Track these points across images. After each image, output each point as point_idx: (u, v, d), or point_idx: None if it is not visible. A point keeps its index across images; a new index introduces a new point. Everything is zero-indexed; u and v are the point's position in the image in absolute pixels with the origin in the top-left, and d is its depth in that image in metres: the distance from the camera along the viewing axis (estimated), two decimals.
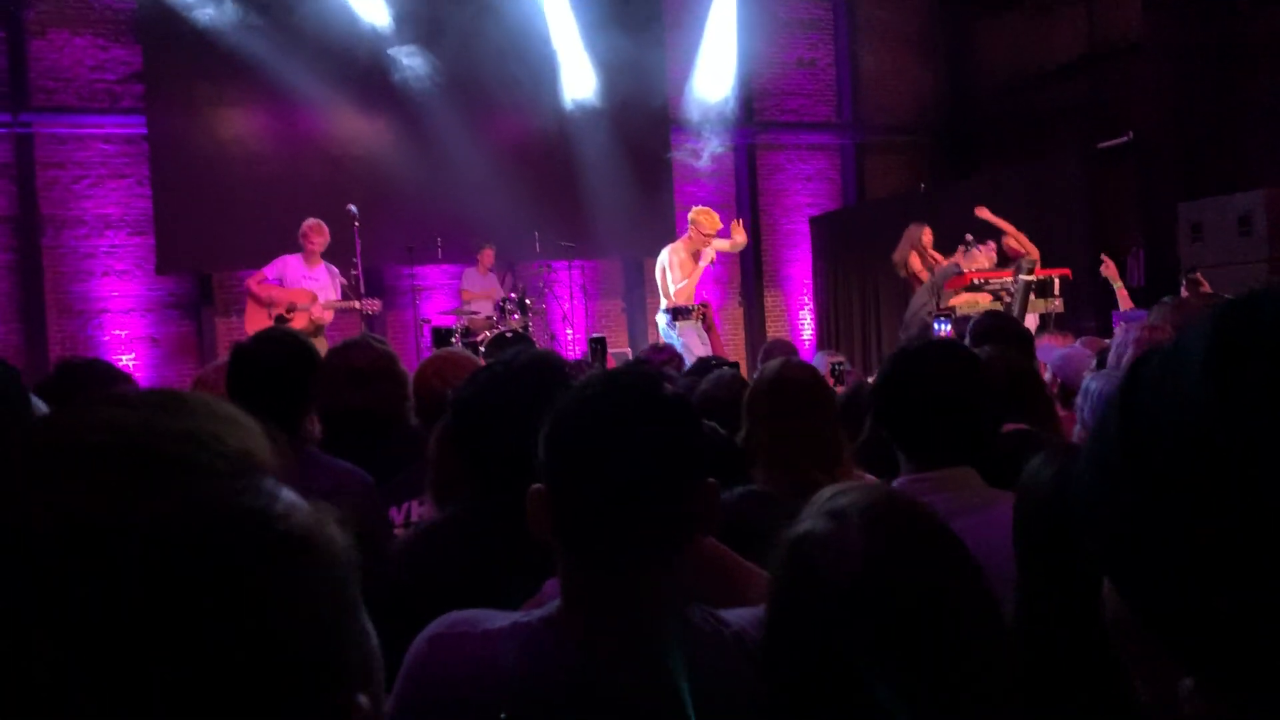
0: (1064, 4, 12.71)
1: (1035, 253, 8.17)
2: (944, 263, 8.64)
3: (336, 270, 8.24)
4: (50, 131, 10.36)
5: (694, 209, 8.50)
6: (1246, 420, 0.47)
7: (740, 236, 8.89)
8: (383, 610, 1.79)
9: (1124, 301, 6.55)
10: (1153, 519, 0.50)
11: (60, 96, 10.38)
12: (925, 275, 9.01)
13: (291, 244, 8.24)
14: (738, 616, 1.28)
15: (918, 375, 2.00)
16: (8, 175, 10.24)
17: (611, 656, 1.20)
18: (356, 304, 8.25)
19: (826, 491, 1.13)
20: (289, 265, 8.10)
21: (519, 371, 1.81)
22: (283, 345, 2.56)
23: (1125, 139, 10.39)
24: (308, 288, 8.04)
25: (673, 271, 8.31)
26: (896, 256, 9.29)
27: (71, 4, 10.40)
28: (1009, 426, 2.25)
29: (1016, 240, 8.35)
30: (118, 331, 10.52)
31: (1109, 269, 6.85)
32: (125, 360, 10.33)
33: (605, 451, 1.20)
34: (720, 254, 8.85)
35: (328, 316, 8.09)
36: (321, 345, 7.77)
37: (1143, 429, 0.52)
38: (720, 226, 8.46)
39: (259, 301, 7.98)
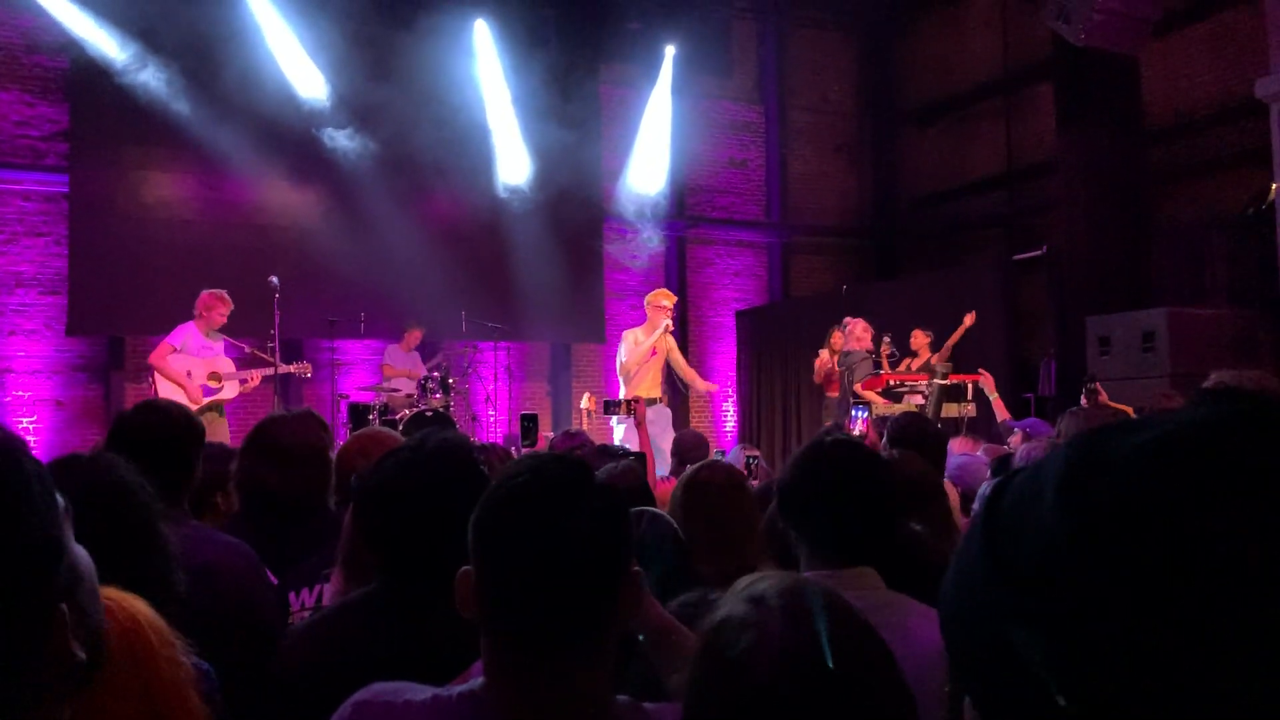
0: (985, 120, 13.31)
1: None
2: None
3: (226, 340, 8.17)
4: None
5: (650, 294, 8.53)
6: (1093, 546, 0.49)
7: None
8: (272, 691, 1.73)
9: (1000, 412, 6.73)
10: (1004, 639, 0.52)
11: None
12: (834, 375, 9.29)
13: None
14: (658, 711, 1.28)
15: (824, 472, 2.02)
16: None
17: None
18: (290, 367, 8.17)
19: (744, 580, 1.12)
20: (190, 334, 7.97)
21: (426, 458, 1.77)
22: (166, 415, 2.48)
23: (1040, 251, 10.78)
24: (208, 357, 7.94)
25: (625, 356, 8.29)
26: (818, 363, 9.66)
27: (0, 59, 10.25)
28: (908, 528, 2.28)
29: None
30: (20, 393, 10.15)
31: (985, 380, 7.04)
32: (25, 423, 9.96)
33: (533, 538, 1.20)
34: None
35: (255, 380, 8.04)
36: (219, 424, 7.68)
37: (1004, 553, 0.54)
38: (670, 303, 8.35)
39: (168, 376, 7.79)
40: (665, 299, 8.25)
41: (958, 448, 4.94)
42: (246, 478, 2.79)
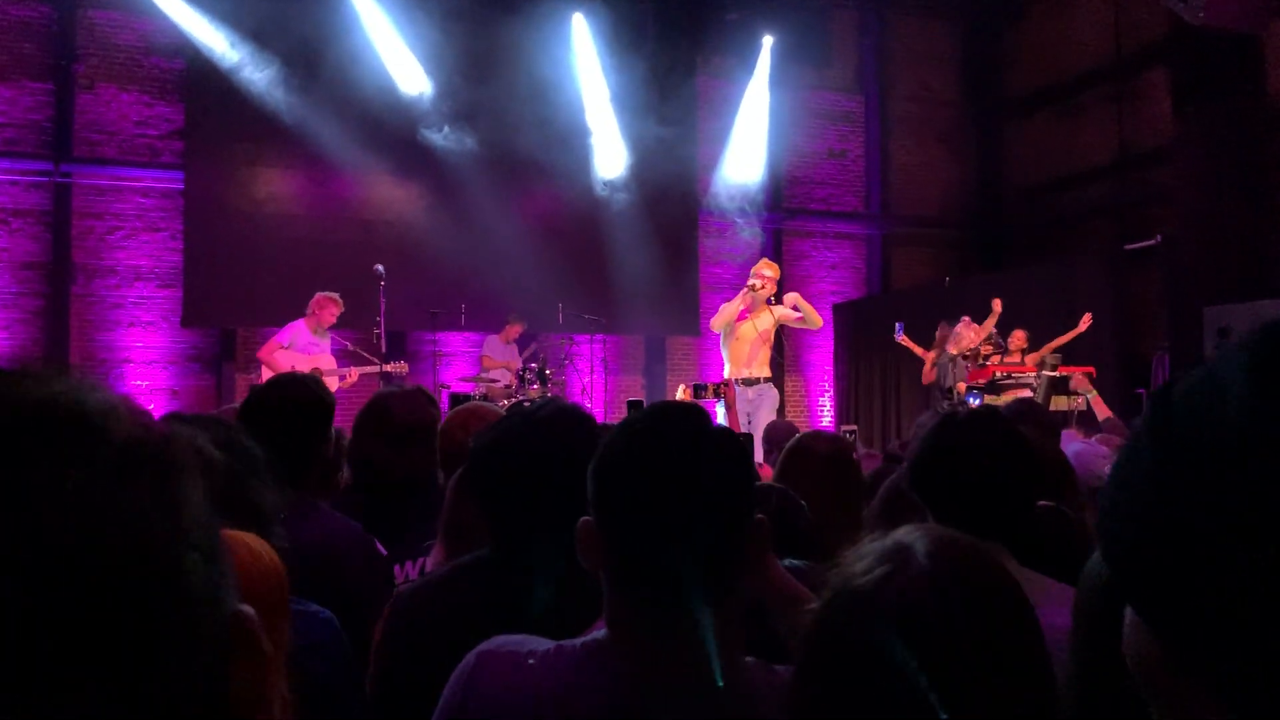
0: (1094, 107, 12.87)
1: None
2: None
3: (338, 338, 8.43)
4: (90, 183, 10.56)
5: None
6: None
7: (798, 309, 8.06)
8: (378, 661, 1.74)
9: (1101, 410, 6.43)
10: (1196, 546, 0.49)
11: (102, 149, 10.60)
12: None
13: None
14: (787, 672, 1.25)
15: (965, 443, 1.95)
16: (43, 222, 10.42)
17: (654, 688, 1.18)
18: (388, 367, 8.35)
19: (891, 535, 1.06)
20: (299, 332, 8.26)
21: (542, 421, 1.76)
22: (295, 389, 2.49)
23: (1153, 242, 10.39)
24: (315, 354, 8.19)
25: (715, 323, 8.00)
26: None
27: (122, 61, 10.69)
28: (1041, 504, 2.18)
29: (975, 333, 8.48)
30: (139, 382, 10.56)
31: (1080, 382, 6.74)
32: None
33: (657, 484, 1.18)
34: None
35: (353, 378, 8.24)
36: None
37: (1181, 454, 0.51)
38: (772, 273, 7.90)
39: (274, 369, 8.05)
40: (764, 268, 7.85)
41: (1071, 436, 4.78)
42: (358, 452, 2.84)
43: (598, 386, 11.01)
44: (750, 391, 7.51)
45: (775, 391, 7.92)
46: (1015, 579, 1.01)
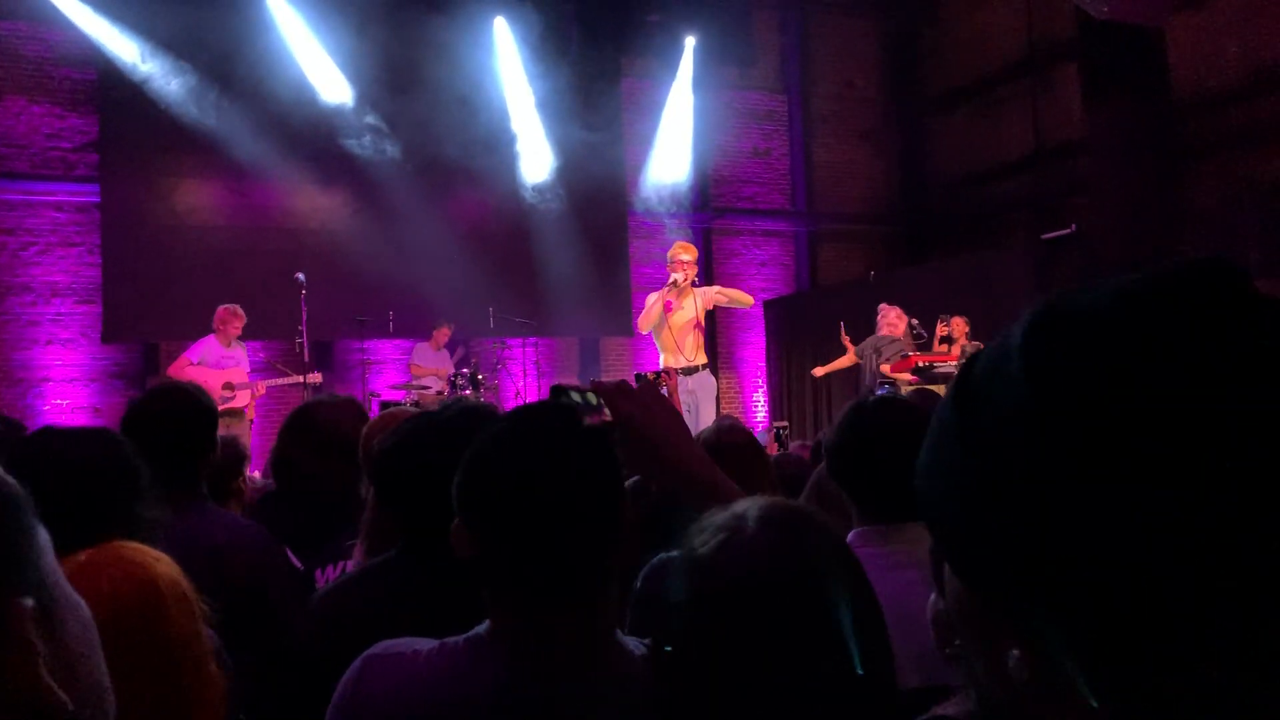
0: (1010, 102, 13.18)
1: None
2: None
3: (248, 348, 8.54)
4: (1, 198, 10.26)
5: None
6: (1057, 401, 0.50)
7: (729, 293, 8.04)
8: (290, 662, 1.74)
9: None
10: (985, 499, 0.53)
11: (13, 163, 10.31)
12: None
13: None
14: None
15: (875, 428, 2.01)
16: None
17: (534, 678, 1.20)
18: (300, 378, 8.31)
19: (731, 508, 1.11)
20: (210, 347, 8.33)
21: (445, 421, 1.78)
22: (177, 399, 2.49)
23: (1069, 231, 10.66)
24: (228, 368, 8.24)
25: (641, 323, 7.66)
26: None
27: (30, 72, 10.41)
28: None
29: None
30: (59, 401, 10.30)
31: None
32: None
33: (514, 478, 1.20)
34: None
35: (261, 390, 8.28)
36: (239, 426, 7.87)
37: (975, 417, 0.55)
38: (690, 256, 7.54)
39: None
40: (681, 252, 7.48)
41: None
42: (282, 458, 2.83)
43: (532, 390, 10.99)
44: (690, 380, 7.30)
45: (713, 379, 7.72)
46: (841, 538, 1.06)
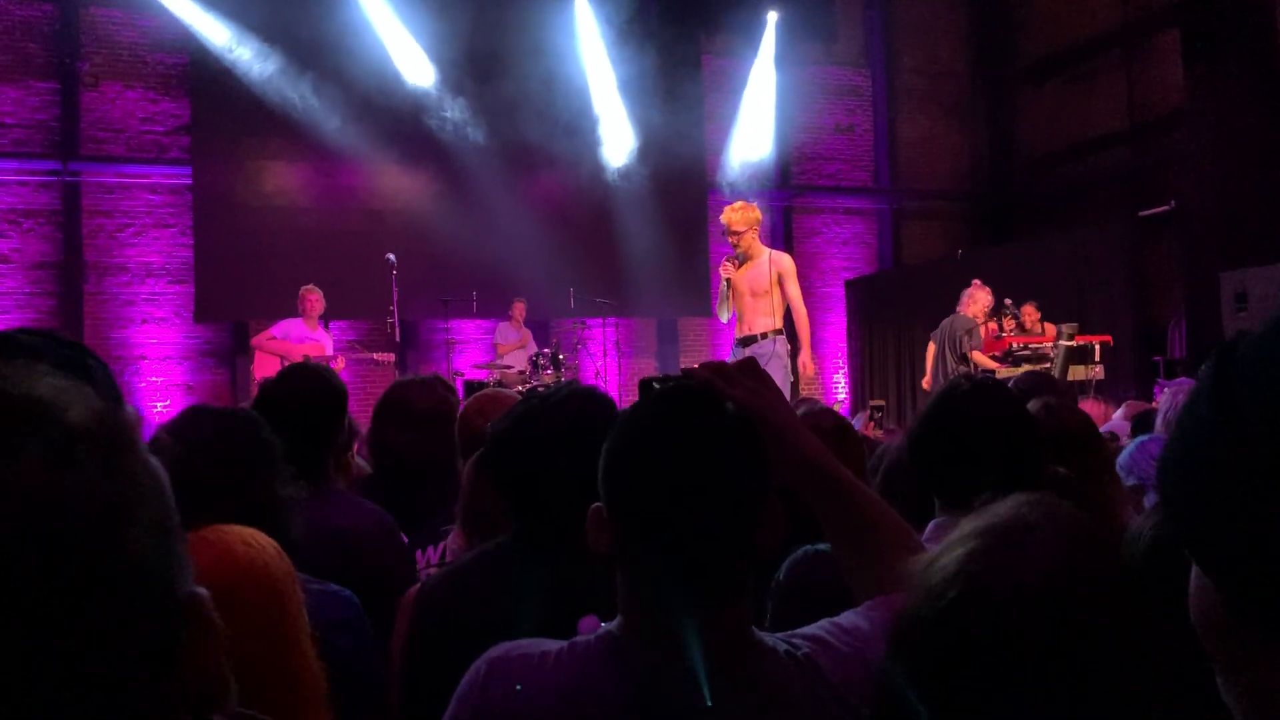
0: (1104, 74, 12.74)
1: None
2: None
3: (333, 329, 8.69)
4: (98, 180, 10.57)
5: None
6: None
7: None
8: (408, 650, 1.73)
9: None
10: (1259, 502, 0.49)
11: (109, 147, 10.60)
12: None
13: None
14: (804, 639, 1.22)
15: (960, 416, 1.93)
16: (54, 222, 10.44)
17: (672, 680, 1.14)
18: (374, 355, 8.46)
19: (1013, 498, 1.00)
20: (292, 327, 8.49)
21: (560, 403, 1.75)
22: (307, 380, 2.49)
23: (1167, 208, 10.30)
24: (306, 344, 8.35)
25: (725, 318, 7.11)
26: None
27: (126, 58, 10.68)
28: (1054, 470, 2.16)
29: None
30: (153, 378, 10.60)
31: None
32: (159, 407, 10.40)
33: (668, 465, 1.14)
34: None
35: (340, 365, 8.39)
36: None
37: (1248, 412, 0.50)
38: (740, 215, 6.79)
39: (268, 353, 8.31)
40: (730, 214, 6.81)
41: (1087, 409, 4.75)
42: (378, 441, 2.85)
43: (611, 370, 10.99)
44: (745, 352, 6.54)
45: (783, 345, 6.83)
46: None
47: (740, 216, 6.73)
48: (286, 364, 8.02)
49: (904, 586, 0.99)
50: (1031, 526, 0.93)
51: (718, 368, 1.32)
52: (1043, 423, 2.37)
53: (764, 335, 6.69)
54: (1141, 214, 10.60)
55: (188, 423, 1.77)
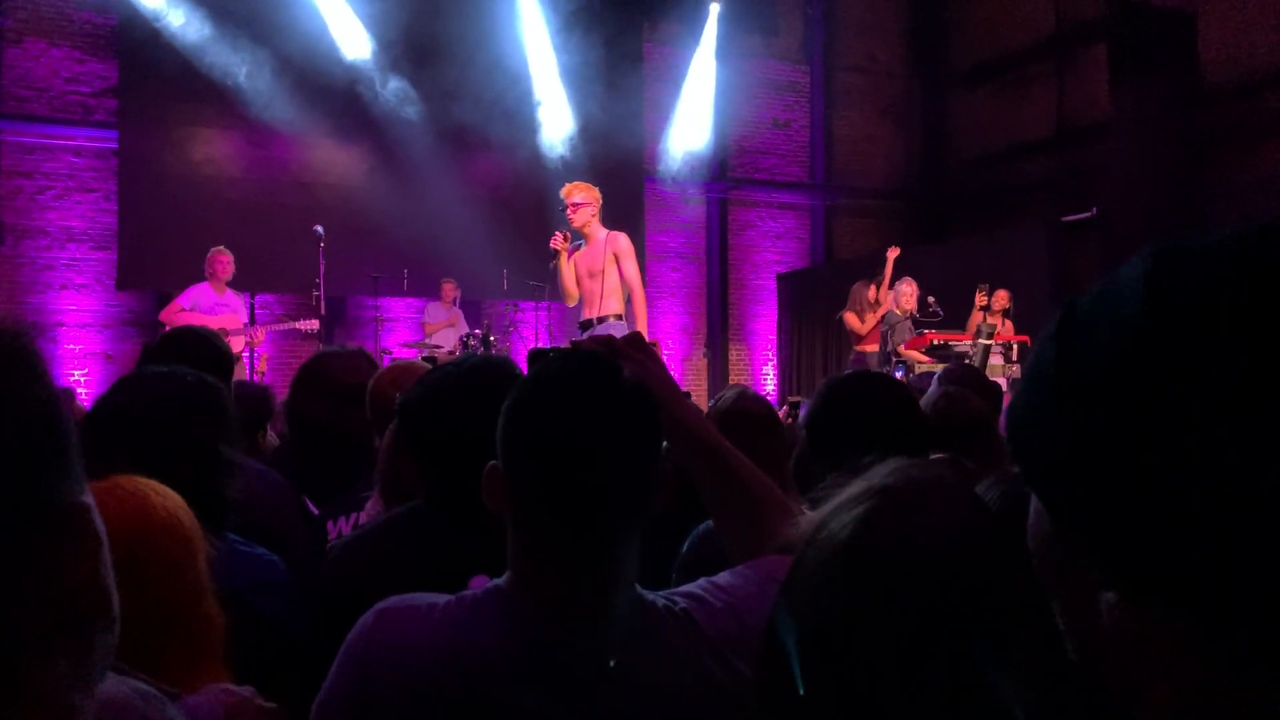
0: (1036, 80, 13.05)
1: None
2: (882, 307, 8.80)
3: (245, 295, 8.36)
4: (18, 140, 10.24)
5: None
6: (1180, 337, 0.50)
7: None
8: (310, 611, 1.74)
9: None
10: (1089, 438, 0.53)
11: (32, 105, 10.28)
12: (859, 329, 9.18)
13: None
14: (683, 595, 1.27)
15: (845, 401, 2.01)
16: None
17: (560, 631, 1.18)
18: (296, 324, 8.29)
19: (886, 463, 1.01)
20: (200, 293, 8.23)
21: (468, 371, 1.78)
22: (191, 345, 2.47)
23: (1089, 214, 10.59)
24: (220, 314, 8.13)
25: (572, 302, 6.95)
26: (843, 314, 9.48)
27: (50, 15, 10.35)
28: (937, 455, 2.25)
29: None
30: (71, 346, 10.33)
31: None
32: (76, 375, 10.14)
33: (564, 426, 1.18)
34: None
35: (259, 337, 8.20)
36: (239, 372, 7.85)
37: (1079, 354, 0.55)
38: (583, 196, 6.57)
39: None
40: (571, 193, 6.64)
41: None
42: (296, 409, 2.83)
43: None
44: (585, 336, 6.32)
45: (623, 329, 6.34)
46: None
47: (580, 188, 6.66)
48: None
49: (783, 549, 1.02)
50: (927, 486, 0.96)
51: (605, 341, 1.38)
52: (941, 410, 2.46)
53: (601, 319, 6.54)
54: (1065, 219, 10.88)
55: (143, 379, 1.79)
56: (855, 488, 0.99)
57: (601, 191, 11.55)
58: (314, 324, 8.37)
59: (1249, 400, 0.47)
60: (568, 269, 6.63)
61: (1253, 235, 0.51)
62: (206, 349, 2.46)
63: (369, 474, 2.50)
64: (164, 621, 1.30)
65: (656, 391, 1.30)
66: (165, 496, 1.40)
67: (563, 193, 6.65)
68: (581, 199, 6.54)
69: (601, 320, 6.50)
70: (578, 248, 6.65)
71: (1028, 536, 0.62)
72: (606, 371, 1.24)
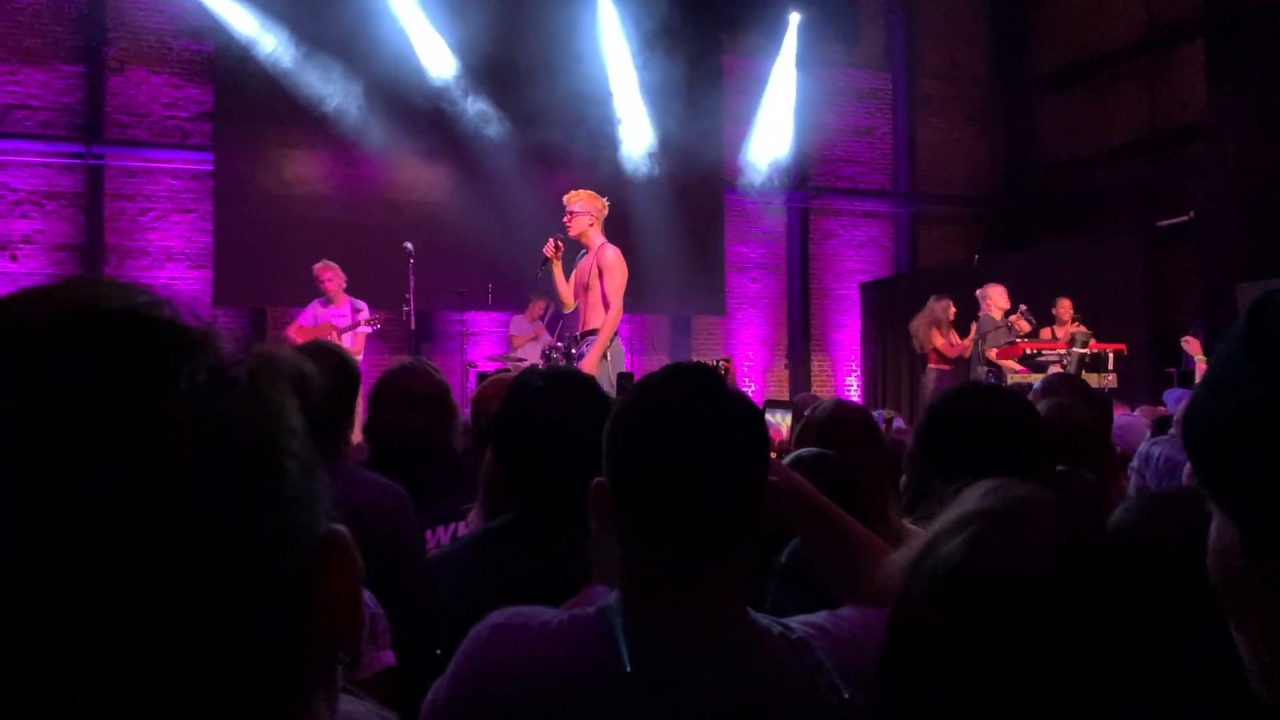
0: (1126, 82, 12.70)
1: None
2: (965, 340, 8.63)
3: (363, 305, 8.54)
4: (121, 164, 10.67)
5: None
6: None
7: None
8: (415, 620, 1.78)
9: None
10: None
11: (133, 131, 10.70)
12: (948, 350, 9.03)
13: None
14: (801, 624, 1.26)
15: (962, 415, 1.96)
16: (77, 204, 10.54)
17: (670, 652, 1.17)
18: (361, 323, 8.45)
19: (981, 485, 1.02)
20: (314, 310, 8.54)
21: (556, 385, 1.81)
22: (325, 357, 2.54)
23: (1185, 218, 10.26)
24: (326, 321, 8.37)
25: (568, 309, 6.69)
26: (915, 326, 9.29)
27: (151, 43, 10.78)
28: (1059, 469, 2.18)
29: None
30: None
31: (1191, 345, 6.81)
32: None
33: (674, 443, 1.17)
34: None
35: (377, 321, 8.38)
36: None
37: (1273, 350, 0.53)
38: (581, 203, 6.35)
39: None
40: (570, 201, 6.41)
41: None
42: (375, 424, 2.91)
43: (625, 367, 11.02)
44: (578, 348, 6.32)
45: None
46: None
47: (581, 196, 6.41)
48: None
49: (887, 578, 1.01)
50: (1031, 506, 0.95)
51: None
52: (1053, 423, 2.40)
53: (584, 335, 6.33)
54: (1159, 224, 10.57)
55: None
56: (956, 510, 0.98)
57: (680, 202, 11.69)
58: (377, 318, 8.52)
59: None
60: (562, 276, 6.41)
61: None
62: (338, 361, 2.56)
63: (457, 482, 2.55)
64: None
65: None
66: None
67: (565, 200, 6.46)
68: (580, 207, 6.32)
69: (584, 336, 6.30)
70: (583, 256, 6.39)
71: (1209, 557, 0.59)
72: (711, 385, 1.23)
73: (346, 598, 0.52)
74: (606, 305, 6.12)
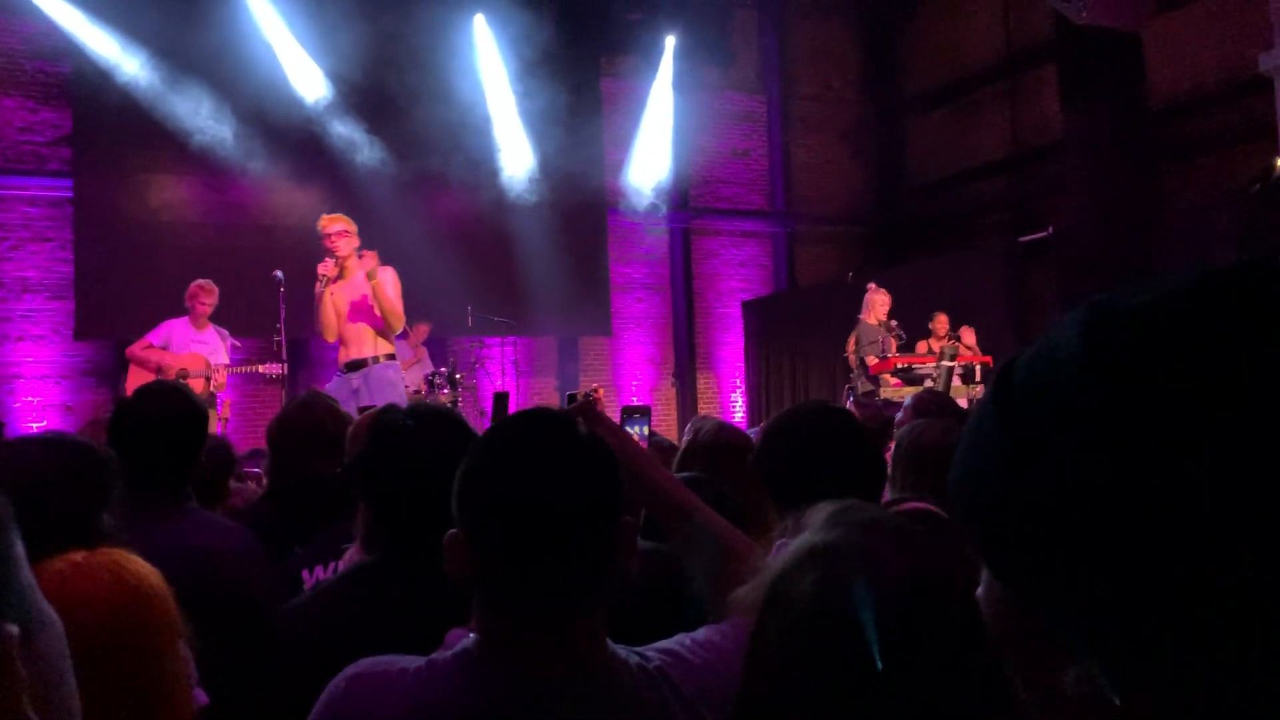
0: (988, 104, 13.26)
1: None
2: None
3: (225, 332, 8.05)
4: None
5: None
6: (1126, 393, 0.48)
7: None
8: (271, 667, 1.72)
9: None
10: (1040, 497, 0.51)
11: None
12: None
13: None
14: (658, 652, 1.27)
15: (791, 437, 2.01)
16: None
17: (533, 693, 1.17)
18: (258, 368, 8.09)
19: (824, 508, 1.05)
20: (175, 329, 7.82)
21: (418, 425, 1.77)
22: (165, 401, 2.44)
23: (1045, 233, 10.73)
24: (197, 351, 7.75)
25: (331, 337, 6.57)
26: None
27: (2, 65, 10.27)
28: (911, 505, 2.22)
29: None
30: (29, 398, 10.17)
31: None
32: (35, 428, 9.97)
33: (523, 482, 1.17)
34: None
35: (221, 380, 7.88)
36: (210, 416, 7.60)
37: (1020, 417, 0.53)
38: (340, 228, 6.25)
39: (143, 366, 7.66)
40: (325, 224, 6.35)
41: None
42: (271, 457, 2.83)
43: (510, 389, 10.95)
44: (355, 378, 6.17)
45: (397, 370, 6.54)
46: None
47: (340, 219, 6.35)
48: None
49: (742, 608, 1.03)
50: (876, 538, 0.98)
51: (583, 406, 1.43)
52: (912, 443, 2.46)
53: (376, 359, 6.22)
54: (1022, 239, 11.03)
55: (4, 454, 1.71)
56: (804, 540, 1.00)
57: (563, 224, 11.70)
58: (277, 368, 8.19)
59: (1194, 452, 0.46)
60: (328, 302, 6.21)
61: (1179, 292, 0.50)
62: (181, 405, 2.44)
63: (342, 517, 2.48)
64: (157, 704, 1.28)
65: (625, 456, 1.33)
66: (154, 574, 1.36)
67: (320, 225, 6.32)
68: (332, 227, 6.26)
69: (376, 360, 6.20)
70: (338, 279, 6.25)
71: (981, 606, 0.60)
72: (563, 428, 1.23)
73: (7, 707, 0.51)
74: (391, 324, 6.14)
